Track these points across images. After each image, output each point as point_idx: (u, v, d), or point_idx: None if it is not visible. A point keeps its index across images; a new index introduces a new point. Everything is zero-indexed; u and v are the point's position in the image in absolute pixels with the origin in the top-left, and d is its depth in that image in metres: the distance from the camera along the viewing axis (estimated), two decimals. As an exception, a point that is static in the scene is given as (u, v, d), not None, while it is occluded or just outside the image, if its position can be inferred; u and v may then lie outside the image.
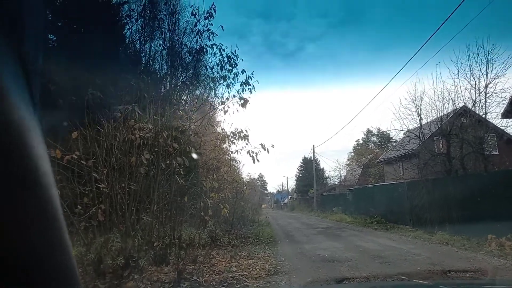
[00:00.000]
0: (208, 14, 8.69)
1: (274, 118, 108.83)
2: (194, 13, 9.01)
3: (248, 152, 8.18)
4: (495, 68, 13.75)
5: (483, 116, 14.38)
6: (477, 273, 6.30)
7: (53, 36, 8.39)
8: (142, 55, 10.81)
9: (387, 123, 61.72)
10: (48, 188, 0.68)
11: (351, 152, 48.09)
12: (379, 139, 46.36)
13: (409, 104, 16.65)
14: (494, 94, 14.00)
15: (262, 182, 68.20)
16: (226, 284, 5.78)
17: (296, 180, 54.69)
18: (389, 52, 37.51)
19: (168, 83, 11.26)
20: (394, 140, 25.02)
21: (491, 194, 10.20)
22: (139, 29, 10.56)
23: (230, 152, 10.40)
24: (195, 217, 8.51)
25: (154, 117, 6.73)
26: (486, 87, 14.06)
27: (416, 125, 16.55)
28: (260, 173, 67.53)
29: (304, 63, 49.60)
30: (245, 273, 6.52)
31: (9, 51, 0.66)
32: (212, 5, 8.56)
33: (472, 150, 13.87)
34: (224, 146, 10.11)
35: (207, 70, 10.16)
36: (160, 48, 10.82)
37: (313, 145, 38.18)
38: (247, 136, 8.22)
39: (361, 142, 50.50)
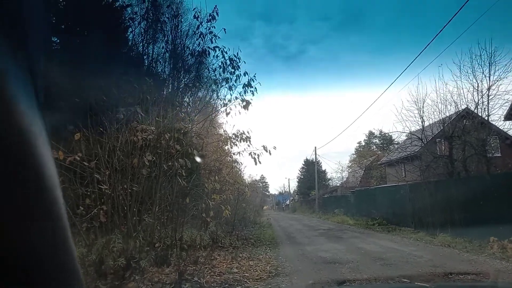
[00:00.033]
0: (210, 17, 8.74)
1: (276, 120, 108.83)
2: (196, 15, 9.06)
3: (250, 153, 8.21)
4: (498, 70, 13.74)
5: (486, 118, 14.36)
6: (479, 276, 6.29)
7: (56, 39, 8.45)
8: (145, 57, 10.89)
9: (389, 125, 61.57)
10: (53, 189, 0.69)
11: (353, 154, 48.06)
12: (381, 141, 46.26)
13: (411, 106, 16.65)
14: (497, 96, 13.99)
15: (264, 184, 68.12)
16: (227, 285, 5.79)
17: (297, 181, 54.65)
18: (391, 55, 37.52)
19: (170, 85, 11.32)
20: (396, 142, 25.00)
21: (493, 196, 10.17)
22: (142, 32, 10.64)
23: (232, 154, 10.43)
24: (196, 218, 8.53)
25: (157, 119, 6.77)
26: (488, 89, 14.05)
27: (418, 127, 16.55)
28: (262, 175, 67.70)
29: (306, 66, 49.67)
30: (246, 274, 6.53)
31: (14, 54, 0.67)
32: (214, 7, 8.62)
33: (474, 152, 13.84)
34: (226, 147, 10.15)
35: (209, 72, 10.22)
36: (163, 50, 10.91)
37: (315, 147, 38.20)
38: (249, 138, 8.25)
39: (363, 144, 50.44)
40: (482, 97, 14.18)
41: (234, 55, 8.73)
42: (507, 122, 15.21)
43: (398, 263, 7.52)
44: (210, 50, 9.06)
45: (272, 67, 47.04)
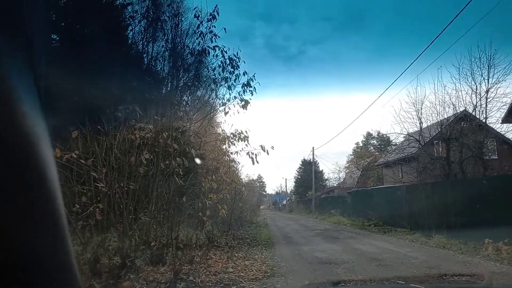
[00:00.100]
0: (211, 16, 8.76)
1: (275, 120, 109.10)
2: (197, 15, 9.08)
3: (247, 153, 8.22)
4: (497, 73, 13.82)
5: (484, 120, 14.41)
6: (473, 277, 6.31)
7: (56, 36, 8.44)
8: (144, 56, 10.87)
9: (387, 126, 61.70)
10: (54, 190, 0.70)
11: (350, 154, 48.06)
12: (379, 142, 46.36)
13: (409, 107, 16.70)
14: (495, 99, 14.07)
15: (261, 184, 68.24)
16: (222, 285, 5.80)
17: (295, 182, 54.70)
18: (390, 56, 37.59)
19: (169, 83, 11.31)
20: (394, 144, 25.09)
21: (489, 199, 10.22)
22: (142, 30, 10.63)
23: (229, 153, 10.44)
24: (193, 217, 8.54)
25: (155, 117, 6.77)
26: (487, 91, 14.11)
27: (416, 129, 16.61)
28: (259, 174, 67.65)
29: (306, 66, 49.73)
30: (241, 274, 6.53)
31: (15, 52, 0.68)
32: (215, 7, 8.63)
33: (471, 155, 13.90)
34: (224, 147, 10.15)
35: (208, 72, 10.23)
36: (163, 49, 10.90)
37: (313, 147, 38.30)
38: (247, 137, 8.26)
39: (361, 145, 50.52)
40: (480, 99, 14.26)
41: (233, 54, 8.76)
42: (505, 125, 15.29)
43: (394, 264, 7.55)
44: (210, 50, 9.09)
45: (272, 67, 47.09)
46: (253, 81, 8.49)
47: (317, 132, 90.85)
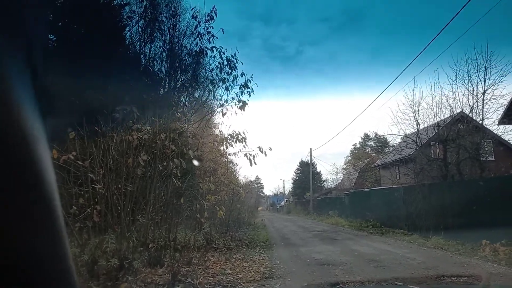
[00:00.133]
0: (208, 17, 8.75)
1: (272, 122, 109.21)
2: (195, 15, 9.07)
3: (245, 154, 8.21)
4: (493, 74, 13.92)
5: (480, 122, 14.50)
6: (471, 278, 6.32)
7: (53, 36, 8.39)
8: (142, 56, 10.82)
9: (385, 127, 62.10)
10: (50, 190, 0.69)
11: (348, 156, 48.27)
12: (376, 144, 46.45)
13: (406, 109, 16.78)
14: (492, 101, 14.15)
15: (259, 185, 68.13)
16: (220, 286, 5.78)
17: (292, 183, 54.73)
18: (388, 57, 37.76)
19: (167, 84, 11.27)
20: (391, 145, 25.12)
21: (486, 200, 10.26)
22: (139, 31, 10.58)
23: (227, 155, 10.43)
24: (191, 219, 8.51)
25: (153, 118, 6.75)
26: (483, 93, 14.21)
27: (413, 130, 16.67)
28: (257, 176, 67.64)
29: (304, 67, 49.74)
30: (239, 276, 6.52)
31: (12, 52, 0.67)
32: (213, 8, 8.63)
33: (468, 156, 13.96)
34: (222, 148, 10.14)
35: (206, 73, 10.22)
36: (160, 49, 10.85)
37: (310, 149, 38.33)
38: (245, 138, 8.25)
39: (358, 146, 50.65)
40: (477, 101, 14.35)
41: (231, 55, 8.75)
42: (501, 126, 15.36)
43: (392, 265, 7.56)
44: (207, 50, 9.07)
45: (270, 68, 47.11)
46: (250, 82, 8.50)
47: (315, 133, 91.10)
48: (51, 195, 0.70)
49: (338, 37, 48.76)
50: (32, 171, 0.65)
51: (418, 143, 16.37)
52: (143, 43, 10.79)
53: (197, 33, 9.19)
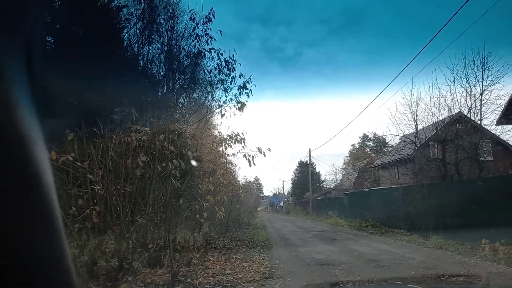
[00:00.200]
0: (206, 19, 8.77)
1: (271, 123, 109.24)
2: (193, 17, 9.08)
3: (244, 155, 8.23)
4: (491, 75, 13.95)
5: (478, 122, 14.53)
6: (470, 278, 6.32)
7: (51, 38, 8.40)
8: (140, 58, 10.84)
9: (383, 128, 62.07)
10: (48, 191, 0.69)
11: (347, 156, 48.29)
12: (375, 144, 46.48)
13: (405, 109, 16.81)
14: (489, 101, 14.19)
15: (258, 185, 68.12)
16: (220, 287, 5.78)
17: (292, 183, 54.73)
18: (386, 58, 37.87)
19: (165, 86, 11.28)
20: (390, 145, 25.16)
21: (485, 199, 10.28)
22: (137, 33, 10.60)
23: (226, 155, 10.44)
24: (190, 219, 8.51)
25: (151, 119, 6.76)
26: (481, 94, 14.24)
27: (412, 131, 16.69)
28: (256, 176, 67.61)
29: (302, 68, 49.83)
30: (239, 276, 6.52)
31: (10, 53, 0.67)
32: (211, 9, 8.65)
33: (467, 156, 13.99)
34: (221, 149, 10.15)
35: (204, 74, 10.23)
36: (158, 51, 10.86)
37: (309, 149, 38.39)
38: (244, 139, 8.26)
39: (357, 146, 50.68)
40: (475, 101, 14.39)
41: (229, 57, 8.77)
42: (499, 126, 15.40)
43: (391, 265, 7.56)
44: (205, 52, 9.08)
45: (268, 69, 47.17)
46: (249, 84, 8.52)
47: (314, 134, 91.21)
48: (49, 196, 0.70)
49: (337, 38, 48.88)
50: (30, 172, 0.65)
51: (416, 144, 16.40)
52: (141, 45, 10.81)
53: (195, 35, 9.20)
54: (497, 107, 14.16)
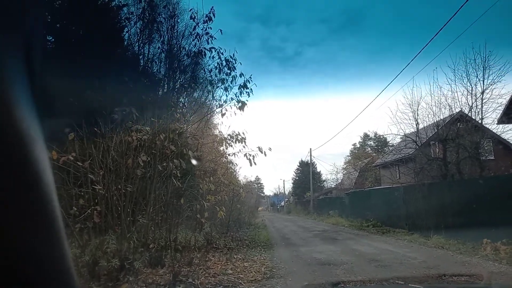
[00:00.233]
0: (207, 18, 8.76)
1: (272, 122, 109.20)
2: (193, 16, 9.07)
3: (245, 155, 8.21)
4: (492, 74, 13.91)
5: (480, 121, 14.50)
6: (472, 277, 6.31)
7: (51, 38, 8.39)
8: (141, 57, 10.82)
9: (384, 127, 61.92)
10: (48, 191, 0.69)
11: (348, 155, 48.26)
12: (376, 143, 46.45)
13: (406, 109, 16.77)
14: (491, 100, 14.15)
15: (259, 185, 68.15)
16: (221, 287, 5.77)
17: (292, 183, 54.70)
18: (387, 58, 37.82)
19: (166, 85, 11.27)
20: (390, 144, 25.16)
21: (486, 199, 10.25)
22: (137, 32, 10.58)
23: (227, 155, 10.42)
24: (191, 219, 8.50)
25: (152, 119, 6.74)
26: (482, 93, 14.20)
27: (412, 130, 16.66)
28: (257, 176, 67.70)
29: (303, 68, 49.82)
30: (240, 276, 6.51)
31: (10, 53, 0.67)
32: (211, 8, 8.64)
33: (468, 155, 13.96)
34: (221, 148, 10.14)
35: (205, 73, 10.22)
36: (159, 50, 10.84)
37: (310, 149, 38.35)
38: (244, 139, 8.25)
39: (358, 146, 50.64)
40: (476, 100, 14.35)
41: (230, 56, 8.76)
42: (501, 125, 15.37)
43: (393, 265, 7.54)
44: (206, 51, 9.07)
45: (269, 68, 47.13)
46: (249, 83, 8.50)
47: (314, 133, 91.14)
48: (49, 195, 0.69)
49: (337, 37, 48.83)
50: (30, 171, 0.65)
51: (417, 143, 16.37)
52: (142, 44, 10.79)
53: (195, 34, 9.19)
54: (498, 106, 14.16)
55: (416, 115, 16.10)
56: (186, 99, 11.83)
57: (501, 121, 14.75)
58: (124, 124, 6.20)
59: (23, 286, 0.67)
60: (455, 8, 10.54)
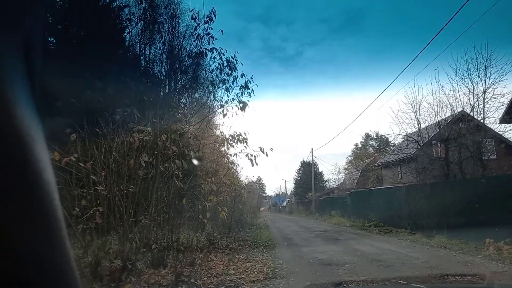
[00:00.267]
0: (208, 18, 8.74)
1: (273, 122, 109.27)
2: (194, 17, 9.06)
3: (246, 155, 8.20)
4: (494, 73, 13.88)
5: (481, 121, 14.46)
6: (475, 277, 6.30)
7: (52, 39, 8.41)
8: (142, 58, 10.84)
9: (386, 127, 61.98)
10: (49, 191, 0.69)
11: (349, 155, 48.16)
12: (378, 143, 46.44)
13: (407, 108, 16.77)
14: (492, 99, 14.13)
15: (261, 185, 68.21)
16: (223, 287, 5.77)
17: (294, 183, 54.74)
18: (388, 57, 37.76)
19: (167, 86, 11.28)
20: (392, 144, 25.14)
21: (489, 198, 10.23)
22: (139, 33, 10.60)
23: (228, 155, 10.42)
24: (193, 219, 8.50)
25: (153, 120, 6.75)
26: (484, 92, 14.18)
27: (414, 130, 16.64)
28: (259, 176, 67.72)
29: (304, 68, 49.82)
30: (243, 276, 6.51)
31: (11, 53, 0.67)
32: (212, 9, 8.62)
33: (470, 155, 13.93)
34: (223, 149, 10.12)
35: (206, 74, 10.22)
36: (160, 51, 10.85)
37: (312, 149, 38.33)
38: (246, 139, 8.24)
39: (360, 146, 50.61)
40: (478, 100, 14.31)
41: (231, 56, 8.74)
42: (503, 125, 15.34)
43: (395, 265, 7.53)
44: (207, 52, 9.05)
45: (270, 68, 47.15)
46: (251, 83, 8.49)
47: (316, 133, 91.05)
48: (50, 195, 0.69)
49: (338, 37, 48.84)
50: (30, 171, 0.65)
51: (419, 143, 16.34)
52: (143, 45, 10.81)
53: (196, 34, 9.17)
54: (500, 106, 14.13)
55: (418, 114, 16.11)
56: (187, 100, 11.85)
57: (503, 120, 14.71)
58: (125, 125, 6.21)
59: (25, 286, 0.67)
60: (456, 7, 10.52)
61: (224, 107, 8.68)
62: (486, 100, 14.17)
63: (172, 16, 10.74)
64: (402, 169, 20.42)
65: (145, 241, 6.04)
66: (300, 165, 51.92)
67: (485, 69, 13.98)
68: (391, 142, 25.19)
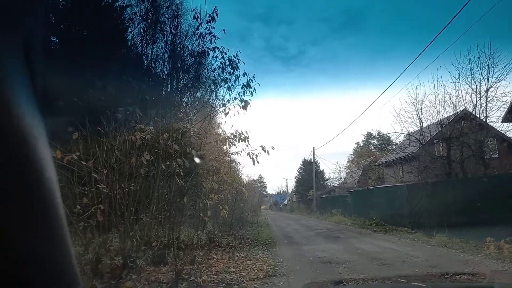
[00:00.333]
0: (210, 18, 8.77)
1: (275, 121, 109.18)
2: (196, 16, 9.09)
3: (248, 154, 8.25)
4: (496, 72, 13.81)
5: (484, 119, 14.41)
6: (475, 276, 6.30)
7: (55, 38, 8.45)
8: (144, 57, 10.87)
9: (388, 126, 61.81)
10: (51, 189, 0.69)
11: (351, 154, 48.10)
12: (380, 142, 46.34)
13: (409, 107, 16.72)
14: (495, 98, 14.06)
15: (262, 184, 68.28)
16: (224, 284, 5.80)
17: (295, 182, 54.72)
18: (390, 56, 37.64)
19: (169, 85, 11.31)
20: (394, 143, 25.10)
21: (490, 197, 10.22)
22: (141, 32, 10.63)
23: (230, 154, 10.47)
24: (194, 217, 8.55)
25: (155, 118, 6.78)
26: (487, 91, 14.11)
27: (416, 128, 16.61)
28: (260, 175, 67.75)
29: (305, 67, 49.85)
30: (243, 274, 6.54)
31: (13, 53, 0.68)
32: (214, 8, 8.66)
33: (472, 154, 13.89)
34: (224, 147, 10.19)
35: (208, 73, 10.25)
36: (162, 50, 10.89)
37: (313, 147, 38.28)
38: (247, 138, 8.28)
39: (362, 144, 50.51)
40: (480, 99, 14.26)
41: (233, 55, 8.78)
42: (505, 123, 15.28)
43: (395, 263, 7.54)
44: (209, 51, 9.08)
45: (271, 67, 47.17)
46: (252, 82, 8.53)
47: (318, 132, 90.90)
48: (52, 193, 0.69)
49: (339, 36, 48.77)
50: (32, 169, 0.65)
51: (421, 141, 16.31)
52: (145, 44, 10.84)
53: (198, 33, 9.21)
54: (503, 104, 14.08)
55: (420, 113, 16.05)
56: (189, 99, 11.89)
57: (505, 119, 14.67)
58: (127, 124, 6.25)
59: (24, 286, 0.67)
60: (457, 7, 10.51)
61: (226, 105, 8.74)
62: (488, 99, 14.13)
63: (174, 15, 10.77)
64: (403, 168, 20.37)
65: (146, 238, 6.09)
66: (301, 163, 51.94)
67: (488, 67, 13.93)
68: (393, 140, 25.16)
